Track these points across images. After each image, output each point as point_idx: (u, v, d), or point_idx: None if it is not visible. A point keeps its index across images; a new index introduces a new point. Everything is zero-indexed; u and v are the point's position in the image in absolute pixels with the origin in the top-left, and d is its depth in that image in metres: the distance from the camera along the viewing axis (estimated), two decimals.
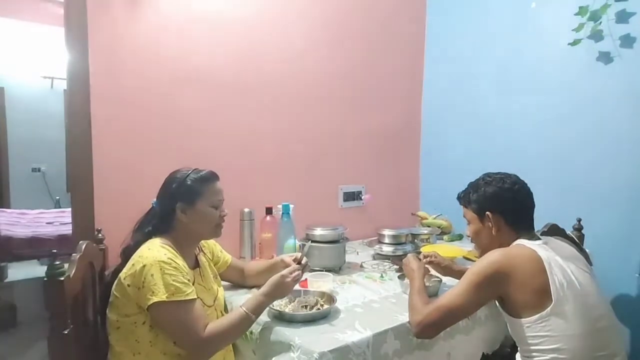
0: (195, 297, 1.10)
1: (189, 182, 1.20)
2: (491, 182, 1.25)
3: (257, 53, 1.87)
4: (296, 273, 1.22)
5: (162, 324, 1.09)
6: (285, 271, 1.21)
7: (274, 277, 1.19)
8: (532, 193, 1.25)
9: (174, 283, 1.05)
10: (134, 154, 1.60)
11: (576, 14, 1.78)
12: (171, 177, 1.23)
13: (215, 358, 1.17)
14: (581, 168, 1.88)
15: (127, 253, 1.16)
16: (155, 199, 1.24)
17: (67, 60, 1.45)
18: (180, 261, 1.12)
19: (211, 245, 1.43)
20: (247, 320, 1.12)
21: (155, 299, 1.03)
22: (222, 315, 1.28)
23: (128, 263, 1.12)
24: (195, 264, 1.28)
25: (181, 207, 1.19)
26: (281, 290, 1.19)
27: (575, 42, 1.81)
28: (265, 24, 1.89)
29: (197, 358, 1.13)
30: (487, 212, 1.23)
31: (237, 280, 1.49)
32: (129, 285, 1.08)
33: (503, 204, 1.22)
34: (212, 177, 1.24)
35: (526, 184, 1.26)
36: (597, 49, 1.80)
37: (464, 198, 1.32)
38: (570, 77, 1.91)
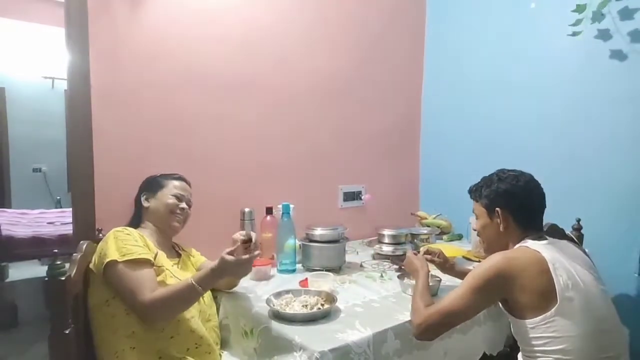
0: (148, 258, 1.15)
1: (156, 177, 1.43)
2: (505, 179, 1.23)
3: (257, 53, 1.88)
4: (243, 255, 1.13)
5: (114, 285, 1.13)
6: (226, 250, 1.14)
7: (222, 256, 1.13)
8: (544, 194, 1.24)
9: (126, 245, 1.15)
10: (135, 154, 1.60)
11: (573, 11, 1.79)
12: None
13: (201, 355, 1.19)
14: (581, 168, 1.88)
15: None
16: None
17: (68, 60, 1.45)
18: (138, 234, 1.22)
19: (194, 252, 1.50)
20: (193, 291, 1.09)
21: (108, 259, 1.12)
22: (208, 309, 1.32)
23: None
24: (176, 255, 1.39)
25: (146, 195, 1.38)
26: (226, 268, 1.11)
27: (575, 34, 1.80)
28: (264, 24, 1.89)
29: (145, 323, 1.13)
30: (497, 209, 1.22)
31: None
32: (94, 264, 1.16)
33: (514, 202, 1.21)
34: (177, 175, 1.44)
35: (540, 185, 1.24)
36: (596, 49, 1.80)
37: (475, 192, 1.30)
38: (570, 77, 1.91)
